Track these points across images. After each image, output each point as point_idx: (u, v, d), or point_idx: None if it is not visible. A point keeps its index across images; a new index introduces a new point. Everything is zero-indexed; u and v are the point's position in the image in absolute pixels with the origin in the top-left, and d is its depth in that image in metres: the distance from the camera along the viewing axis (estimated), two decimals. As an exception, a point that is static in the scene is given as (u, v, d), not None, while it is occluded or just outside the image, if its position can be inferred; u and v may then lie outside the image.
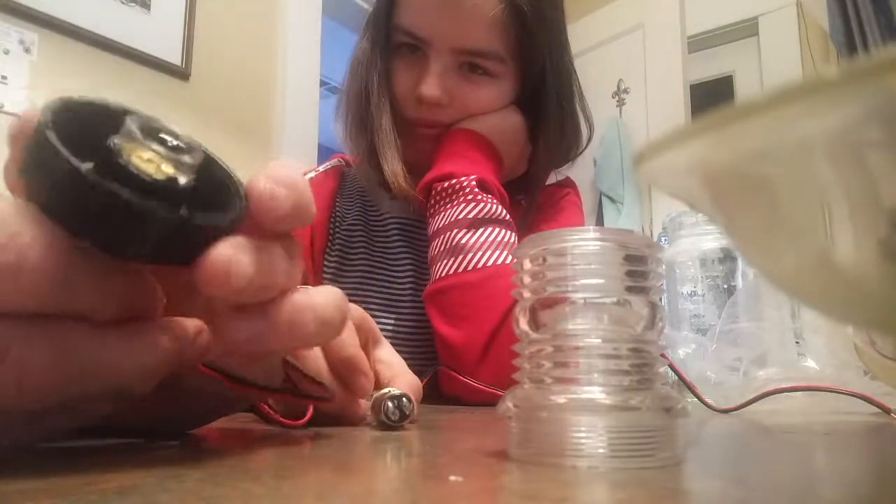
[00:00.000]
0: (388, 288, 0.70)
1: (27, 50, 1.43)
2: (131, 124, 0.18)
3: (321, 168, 0.80)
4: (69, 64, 1.49)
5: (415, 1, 0.65)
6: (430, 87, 0.64)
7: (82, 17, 1.51)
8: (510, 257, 0.57)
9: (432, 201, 0.63)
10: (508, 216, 0.62)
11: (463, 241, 0.59)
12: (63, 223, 0.17)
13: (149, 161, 0.18)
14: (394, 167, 0.65)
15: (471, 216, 0.60)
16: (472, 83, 0.66)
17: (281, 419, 0.30)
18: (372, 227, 0.74)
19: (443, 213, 0.61)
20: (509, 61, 0.67)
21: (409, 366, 0.40)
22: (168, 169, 0.18)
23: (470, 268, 0.57)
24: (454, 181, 0.62)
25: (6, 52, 1.39)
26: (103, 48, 1.56)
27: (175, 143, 0.19)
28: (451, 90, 0.65)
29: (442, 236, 0.60)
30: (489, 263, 0.57)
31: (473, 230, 0.59)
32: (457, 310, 0.57)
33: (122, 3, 1.60)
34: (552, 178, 0.77)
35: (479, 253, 0.58)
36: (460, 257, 0.58)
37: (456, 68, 0.65)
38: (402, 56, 0.68)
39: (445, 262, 0.59)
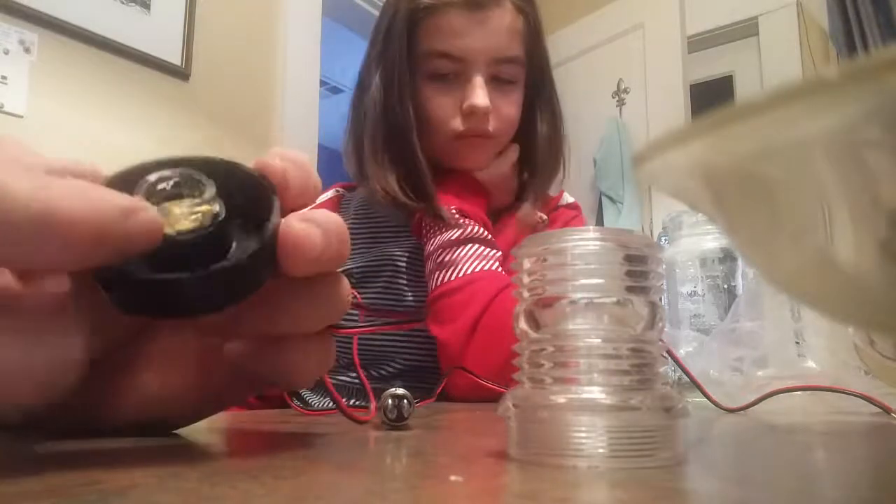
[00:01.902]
0: (418, 296, 0.73)
1: (27, 50, 1.42)
2: (145, 184, 0.19)
3: (319, 200, 0.82)
4: (69, 64, 1.49)
5: (446, 25, 0.71)
6: (482, 98, 0.71)
7: (82, 17, 1.51)
8: (489, 265, 0.67)
9: (424, 231, 0.72)
10: (489, 235, 0.71)
11: (447, 258, 0.68)
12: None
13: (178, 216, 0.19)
14: (435, 202, 0.71)
15: (454, 238, 0.69)
16: (502, 92, 0.74)
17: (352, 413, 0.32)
18: (391, 242, 0.78)
19: (432, 239, 0.71)
20: (525, 64, 0.76)
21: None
22: (194, 217, 0.19)
23: (453, 278, 0.66)
24: (438, 213, 0.70)
25: (6, 52, 1.39)
26: (103, 48, 1.56)
27: (188, 178, 0.20)
28: (492, 100, 0.72)
29: (431, 257, 0.70)
30: (469, 272, 0.66)
31: (455, 248, 0.68)
32: (443, 314, 0.65)
33: (122, 3, 1.60)
34: (564, 200, 0.87)
35: (461, 265, 0.67)
36: (445, 271, 0.67)
37: (489, 77, 0.73)
38: (433, 84, 0.74)
39: (434, 277, 0.68)
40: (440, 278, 0.67)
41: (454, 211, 0.71)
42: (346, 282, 0.24)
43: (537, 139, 0.79)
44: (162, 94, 1.66)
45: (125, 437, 0.24)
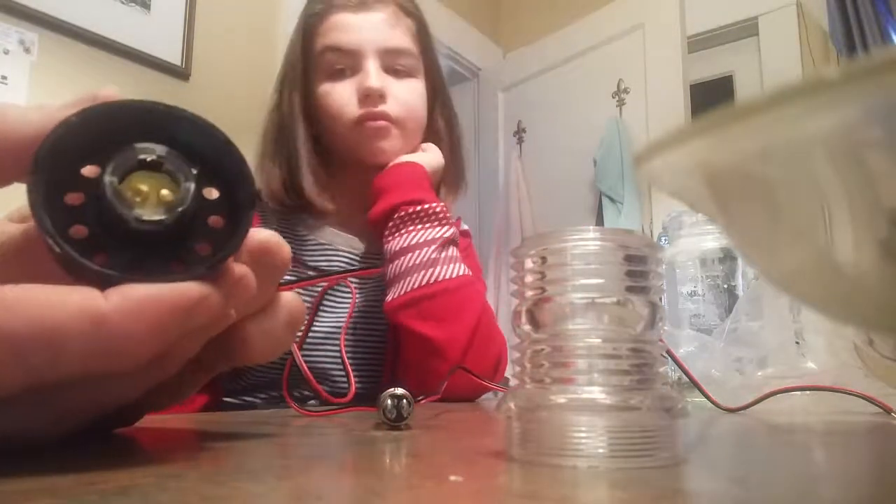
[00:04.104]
0: (337, 312, 0.72)
1: (27, 50, 1.42)
2: (118, 160, 0.20)
3: None
4: (69, 64, 1.49)
5: (334, 24, 0.76)
6: (374, 78, 0.73)
7: (82, 17, 1.51)
8: (464, 269, 0.69)
9: (397, 222, 0.70)
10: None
11: (440, 255, 0.68)
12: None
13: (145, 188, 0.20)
14: (310, 186, 0.73)
15: (447, 235, 0.70)
16: (399, 79, 0.77)
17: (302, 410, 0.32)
18: (312, 253, 0.76)
19: (414, 233, 0.70)
20: (420, 60, 0.79)
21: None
22: (165, 193, 0.20)
23: (448, 276, 0.67)
24: (426, 206, 0.71)
25: (6, 52, 1.39)
26: (103, 48, 1.56)
27: (161, 157, 0.21)
28: (386, 84, 0.74)
29: (416, 251, 0.68)
30: (461, 273, 0.68)
31: (445, 247, 0.69)
32: (439, 313, 0.65)
33: (122, 3, 1.60)
34: (462, 226, 0.87)
35: (452, 265, 0.68)
36: (438, 268, 0.67)
37: (384, 69, 0.75)
38: (331, 80, 0.76)
39: (423, 272, 0.67)
40: (434, 274, 0.66)
41: (443, 207, 0.71)
42: (271, 242, 0.23)
43: (440, 142, 0.81)
44: (162, 94, 1.65)
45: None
